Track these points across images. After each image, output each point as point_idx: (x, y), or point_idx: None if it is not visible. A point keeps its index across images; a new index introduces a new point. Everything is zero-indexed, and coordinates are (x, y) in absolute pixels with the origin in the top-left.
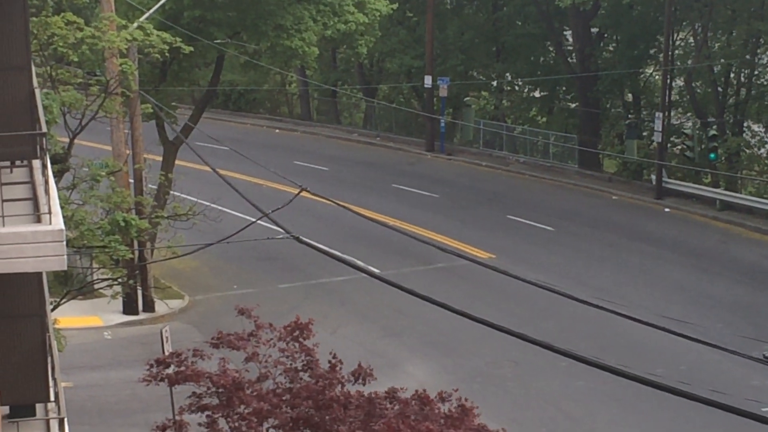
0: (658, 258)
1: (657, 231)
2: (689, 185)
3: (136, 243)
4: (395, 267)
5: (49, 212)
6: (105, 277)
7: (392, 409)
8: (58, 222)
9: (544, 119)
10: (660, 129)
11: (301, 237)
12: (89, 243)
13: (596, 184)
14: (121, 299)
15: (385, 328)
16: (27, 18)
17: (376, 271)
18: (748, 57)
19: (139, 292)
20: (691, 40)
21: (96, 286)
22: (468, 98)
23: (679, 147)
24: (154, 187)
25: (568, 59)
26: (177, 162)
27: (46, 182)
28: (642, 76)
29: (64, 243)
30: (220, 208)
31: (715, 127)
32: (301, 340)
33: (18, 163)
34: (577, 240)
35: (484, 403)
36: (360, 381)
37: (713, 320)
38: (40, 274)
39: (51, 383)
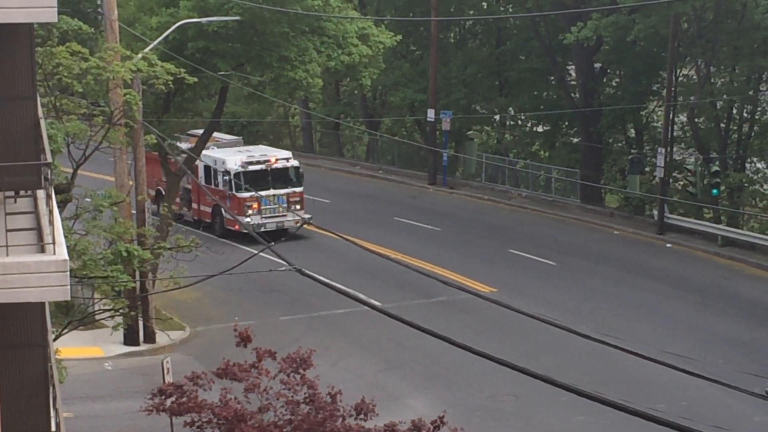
0: (660, 293)
1: (659, 266)
2: (691, 221)
3: (138, 274)
4: (397, 300)
5: (53, 242)
6: (107, 307)
7: None
8: (62, 252)
9: (547, 154)
10: (662, 164)
11: (303, 269)
12: (91, 273)
13: (598, 218)
14: (122, 330)
15: (386, 361)
16: (33, 48)
17: (377, 304)
18: (750, 93)
19: (141, 323)
20: (694, 76)
21: (98, 317)
22: (471, 132)
23: (682, 182)
24: (157, 218)
25: (572, 94)
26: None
27: (51, 212)
28: (645, 111)
29: (68, 273)
30: (222, 240)
31: (717, 162)
32: (301, 371)
33: (22, 193)
34: (579, 275)
35: None
36: (362, 416)
37: (714, 356)
38: (42, 303)
39: (52, 413)
